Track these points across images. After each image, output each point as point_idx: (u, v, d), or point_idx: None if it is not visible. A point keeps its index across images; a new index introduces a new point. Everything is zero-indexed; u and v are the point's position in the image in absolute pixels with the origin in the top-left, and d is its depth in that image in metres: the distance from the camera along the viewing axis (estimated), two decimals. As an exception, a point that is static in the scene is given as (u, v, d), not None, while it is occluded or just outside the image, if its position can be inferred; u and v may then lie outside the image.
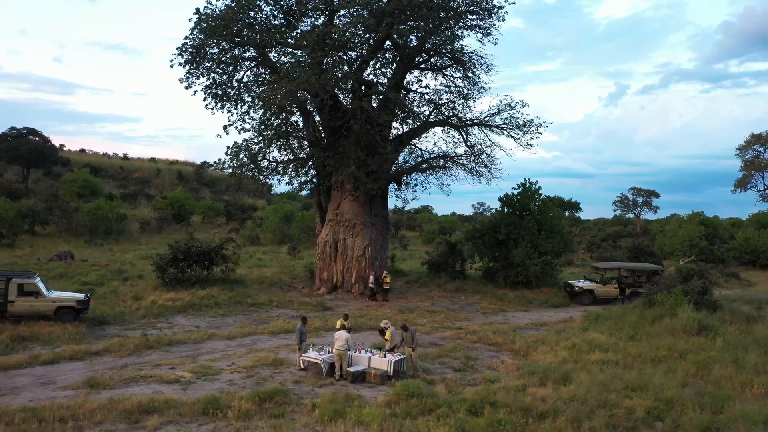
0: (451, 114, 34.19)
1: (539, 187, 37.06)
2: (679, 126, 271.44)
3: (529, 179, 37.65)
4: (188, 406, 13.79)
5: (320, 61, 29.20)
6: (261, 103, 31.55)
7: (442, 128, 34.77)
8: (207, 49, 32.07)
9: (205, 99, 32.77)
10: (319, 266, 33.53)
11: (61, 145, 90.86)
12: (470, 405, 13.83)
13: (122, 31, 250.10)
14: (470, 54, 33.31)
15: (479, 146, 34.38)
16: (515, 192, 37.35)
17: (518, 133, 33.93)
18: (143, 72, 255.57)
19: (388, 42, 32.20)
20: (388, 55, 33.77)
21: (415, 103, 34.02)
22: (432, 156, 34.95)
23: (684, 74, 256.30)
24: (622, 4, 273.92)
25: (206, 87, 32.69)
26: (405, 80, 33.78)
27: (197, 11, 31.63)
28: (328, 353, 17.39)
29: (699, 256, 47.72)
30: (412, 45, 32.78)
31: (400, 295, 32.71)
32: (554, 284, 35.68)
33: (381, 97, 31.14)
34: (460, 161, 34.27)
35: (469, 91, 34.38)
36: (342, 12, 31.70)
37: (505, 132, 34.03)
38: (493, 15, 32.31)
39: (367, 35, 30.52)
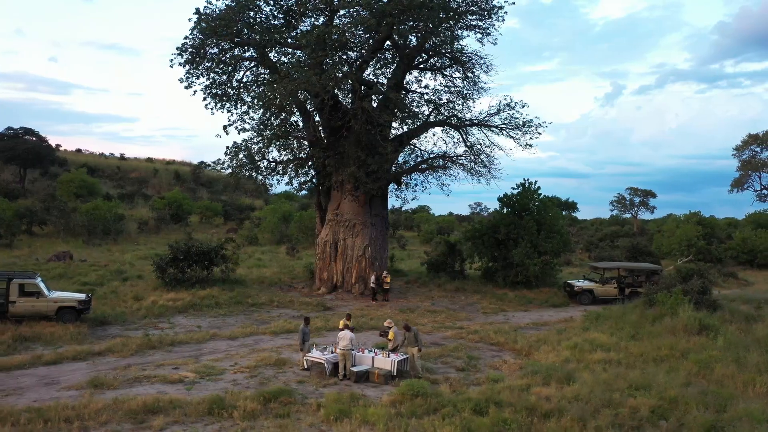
0: (451, 114, 34.24)
1: (538, 187, 37.22)
2: (675, 126, 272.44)
3: (528, 179, 37.78)
4: (193, 406, 13.79)
5: (320, 61, 29.21)
6: (261, 103, 31.56)
7: (441, 128, 34.81)
8: (207, 49, 32.06)
9: (204, 99, 32.80)
10: (319, 266, 33.53)
11: (57, 145, 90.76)
12: (475, 404, 13.88)
13: (118, 31, 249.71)
14: (470, 54, 33.36)
15: (479, 146, 34.46)
16: (514, 192, 37.43)
17: (517, 133, 34.02)
18: (139, 72, 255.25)
19: (388, 42, 32.24)
20: (387, 55, 33.83)
21: (415, 103, 34.07)
22: (431, 156, 34.99)
23: (680, 74, 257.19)
24: (618, 4, 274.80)
25: (206, 87, 32.70)
26: (405, 80, 33.80)
27: (197, 11, 31.61)
28: (332, 353, 17.41)
29: (696, 256, 47.86)
30: (411, 45, 32.80)
31: (400, 295, 32.73)
32: (554, 284, 35.77)
33: (381, 97, 31.15)
34: (460, 161, 34.31)
35: (469, 92, 34.44)
36: (342, 12, 31.74)
37: (504, 132, 34.10)
38: (492, 15, 32.35)
39: (367, 35, 30.54)
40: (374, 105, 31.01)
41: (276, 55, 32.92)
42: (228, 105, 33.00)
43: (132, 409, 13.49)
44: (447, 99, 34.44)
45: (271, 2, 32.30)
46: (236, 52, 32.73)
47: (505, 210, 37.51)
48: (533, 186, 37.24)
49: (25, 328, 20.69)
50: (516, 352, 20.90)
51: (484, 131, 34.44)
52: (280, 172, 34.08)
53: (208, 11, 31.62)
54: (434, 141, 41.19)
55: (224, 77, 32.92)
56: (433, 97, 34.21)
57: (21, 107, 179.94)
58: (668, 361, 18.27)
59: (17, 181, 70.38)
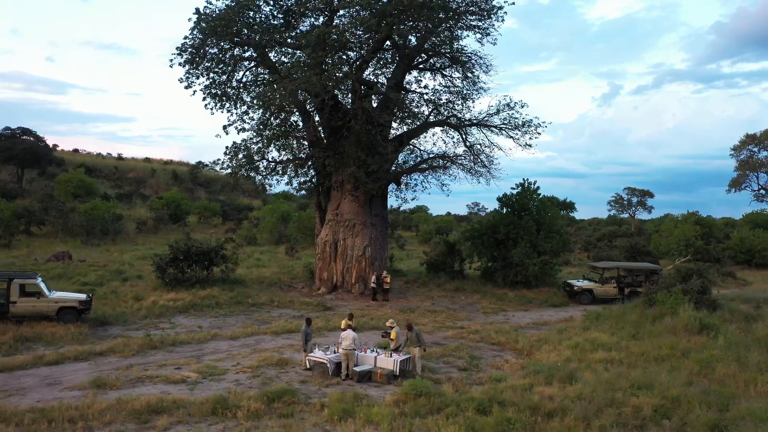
0: (450, 114, 34.26)
1: (538, 187, 37.27)
2: (672, 126, 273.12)
3: (527, 179, 37.81)
4: (197, 406, 13.79)
5: (320, 61, 29.21)
6: (260, 103, 31.56)
7: (441, 128, 34.84)
8: (206, 49, 32.04)
9: (204, 99, 32.80)
10: (319, 266, 33.53)
11: (54, 145, 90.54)
12: (478, 404, 13.90)
13: (115, 31, 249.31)
14: (469, 54, 33.39)
15: (478, 146, 34.49)
16: (514, 192, 37.48)
17: (517, 134, 34.07)
18: (136, 72, 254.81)
19: (387, 42, 32.25)
20: (387, 55, 33.85)
21: (414, 104, 34.10)
22: (431, 156, 35.01)
23: (677, 75, 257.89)
24: (615, 4, 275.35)
25: (205, 87, 32.70)
26: (404, 80, 33.83)
27: (197, 11, 31.61)
28: (334, 353, 17.42)
29: (695, 256, 47.97)
30: (411, 45, 32.83)
31: (399, 294, 32.75)
32: (553, 284, 35.84)
33: (381, 97, 31.16)
34: (459, 161, 34.34)
35: (468, 92, 34.48)
36: (341, 12, 31.75)
37: (504, 132, 34.14)
38: (492, 15, 32.40)
39: (367, 35, 30.54)
40: (374, 105, 31.02)
41: (276, 55, 32.93)
42: (228, 105, 33.04)
43: (136, 409, 13.48)
44: (447, 99, 34.50)
45: (271, 2, 32.33)
46: (236, 52, 32.73)
47: (504, 210, 37.54)
48: (533, 186, 37.29)
49: (26, 329, 20.67)
50: (517, 351, 20.93)
51: (484, 131, 34.50)
52: (280, 172, 34.10)
53: (207, 11, 31.62)
54: (434, 141, 41.09)
55: (224, 77, 32.94)
56: (432, 97, 34.29)
57: (18, 107, 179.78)
58: (669, 360, 18.29)
59: (15, 181, 70.25)
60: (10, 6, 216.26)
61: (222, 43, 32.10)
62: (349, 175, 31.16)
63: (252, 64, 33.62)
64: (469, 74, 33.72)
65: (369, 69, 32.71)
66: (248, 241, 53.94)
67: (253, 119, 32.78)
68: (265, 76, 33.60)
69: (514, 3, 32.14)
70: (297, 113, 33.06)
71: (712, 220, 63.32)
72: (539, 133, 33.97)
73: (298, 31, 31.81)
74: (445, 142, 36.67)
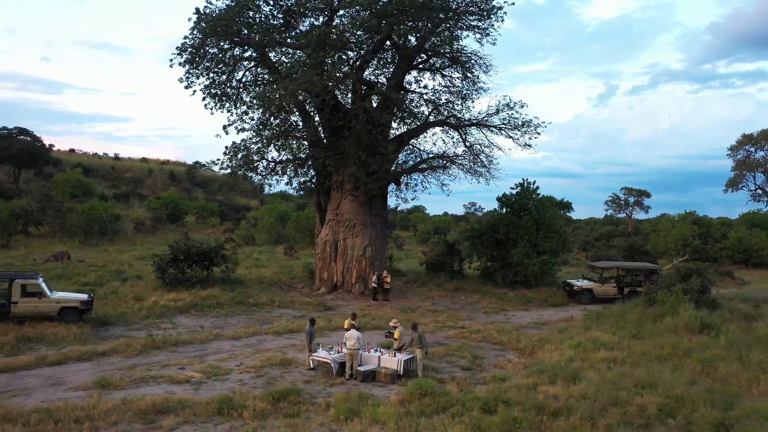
0: (450, 114, 34.31)
1: (537, 187, 37.34)
2: (667, 126, 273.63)
3: (526, 179, 37.89)
4: (202, 405, 13.79)
5: (321, 61, 29.22)
6: (260, 103, 31.56)
7: (441, 128, 34.89)
8: (206, 48, 32.03)
9: (204, 99, 32.79)
10: (319, 266, 33.54)
11: (51, 145, 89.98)
12: (483, 403, 13.94)
13: (110, 31, 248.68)
14: (469, 54, 33.45)
15: (478, 146, 34.55)
16: (513, 192, 37.55)
17: (517, 134, 34.14)
18: (132, 71, 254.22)
19: (387, 42, 32.28)
20: (387, 56, 33.88)
21: (414, 104, 34.16)
22: (431, 156, 35.06)
23: (672, 75, 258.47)
24: (611, 4, 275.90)
25: (205, 87, 32.68)
26: (404, 80, 33.86)
27: (197, 11, 31.59)
28: (338, 353, 17.44)
29: (692, 256, 48.18)
30: (411, 45, 32.87)
31: (399, 294, 32.78)
32: (552, 283, 35.93)
33: (382, 97, 31.17)
34: (459, 161, 34.40)
35: (468, 92, 34.54)
36: (341, 12, 31.77)
37: (503, 132, 34.19)
38: (492, 16, 32.46)
39: (368, 36, 30.56)
40: (374, 105, 31.05)
41: (276, 55, 32.93)
42: (228, 105, 33.03)
43: (141, 409, 13.48)
44: (446, 99, 34.56)
45: (271, 2, 32.34)
46: (236, 52, 32.72)
47: (504, 210, 37.60)
48: (532, 186, 37.36)
49: (27, 329, 20.62)
50: (519, 351, 20.99)
51: (483, 131, 34.55)
52: (280, 173, 34.12)
53: (208, 11, 31.61)
54: (434, 141, 41.11)
55: (224, 77, 32.93)
56: (432, 97, 34.34)
57: (13, 107, 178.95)
58: (672, 359, 18.38)
59: (11, 181, 69.96)
60: (5, 5, 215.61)
61: (222, 43, 32.09)
62: (349, 175, 31.18)
63: (252, 64, 33.64)
64: (469, 74, 33.80)
65: (369, 69, 32.75)
66: (246, 241, 53.91)
67: (253, 119, 32.83)
68: (265, 76, 33.62)
69: (513, 3, 32.26)
70: (297, 113, 33.08)
71: (708, 220, 63.55)
72: (539, 133, 34.08)
73: (298, 31, 31.82)
74: (444, 142, 36.60)
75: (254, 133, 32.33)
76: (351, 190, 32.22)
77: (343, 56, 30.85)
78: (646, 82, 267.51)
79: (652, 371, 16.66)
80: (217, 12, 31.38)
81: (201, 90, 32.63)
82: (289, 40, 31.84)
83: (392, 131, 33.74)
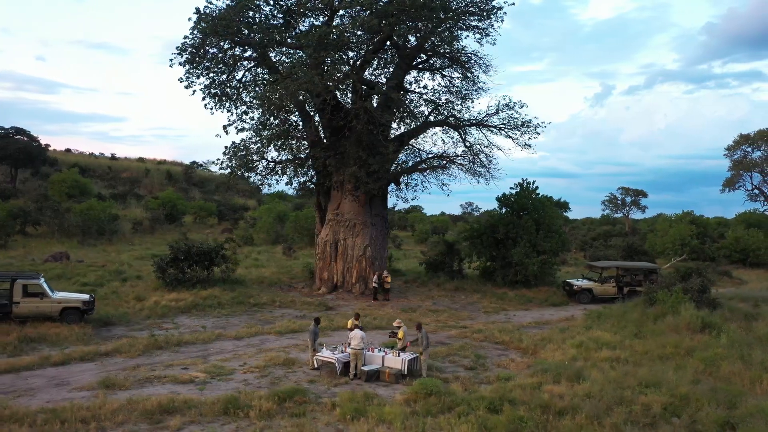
0: (450, 114, 34.35)
1: (536, 187, 37.39)
2: (663, 126, 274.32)
3: (526, 179, 37.96)
4: (208, 405, 13.80)
5: (321, 61, 29.23)
6: (260, 103, 31.56)
7: (441, 128, 34.92)
8: (207, 48, 31.99)
9: (203, 99, 32.76)
10: (319, 266, 33.54)
11: (47, 145, 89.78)
12: (489, 403, 13.98)
13: (106, 30, 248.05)
14: (469, 54, 33.48)
15: (477, 146, 34.59)
16: (513, 192, 37.60)
17: (516, 134, 34.19)
18: (128, 71, 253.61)
19: (387, 42, 32.30)
20: (387, 56, 33.89)
21: (414, 104, 34.20)
22: (430, 156, 35.11)
23: (668, 75, 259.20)
24: (607, 5, 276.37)
25: (205, 87, 32.65)
26: (404, 80, 33.89)
27: (197, 10, 31.56)
28: (342, 352, 17.45)
29: (690, 255, 48.34)
30: (411, 45, 32.90)
31: (400, 294, 32.81)
32: (552, 283, 36.00)
33: (383, 97, 31.18)
34: (458, 161, 34.43)
35: (468, 92, 34.57)
36: (342, 12, 31.77)
37: (503, 132, 34.24)
38: (492, 16, 32.51)
39: (368, 36, 30.55)
40: (375, 105, 31.07)
41: (276, 55, 32.92)
42: (227, 105, 32.99)
43: (147, 409, 13.47)
44: (446, 99, 34.60)
45: (271, 2, 32.32)
46: (236, 52, 32.69)
47: (503, 210, 37.66)
48: (531, 186, 37.43)
49: (29, 329, 20.57)
50: (522, 350, 21.04)
51: (483, 131, 34.59)
52: (279, 173, 34.09)
53: (208, 11, 31.57)
54: (434, 141, 41.16)
55: (224, 77, 32.89)
56: (432, 97, 34.37)
57: (8, 107, 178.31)
58: (674, 358, 18.45)
59: (8, 180, 69.75)
60: (0, 5, 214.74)
61: (222, 43, 32.07)
62: (350, 175, 31.20)
63: (252, 64, 33.61)
64: (469, 74, 33.83)
65: (369, 69, 32.77)
66: (245, 241, 53.86)
67: (253, 119, 32.82)
68: (265, 76, 33.61)
69: (513, 3, 32.31)
70: (297, 113, 33.09)
71: (705, 220, 63.74)
72: (538, 134, 34.12)
73: (298, 31, 31.82)
74: (444, 142, 36.55)
75: (254, 133, 32.33)
76: (351, 190, 32.23)
77: (344, 56, 30.86)
78: (642, 82, 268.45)
79: (656, 370, 16.71)
80: (218, 12, 31.34)
81: (201, 90, 32.64)
82: (289, 40, 31.83)
83: (392, 131, 33.79)
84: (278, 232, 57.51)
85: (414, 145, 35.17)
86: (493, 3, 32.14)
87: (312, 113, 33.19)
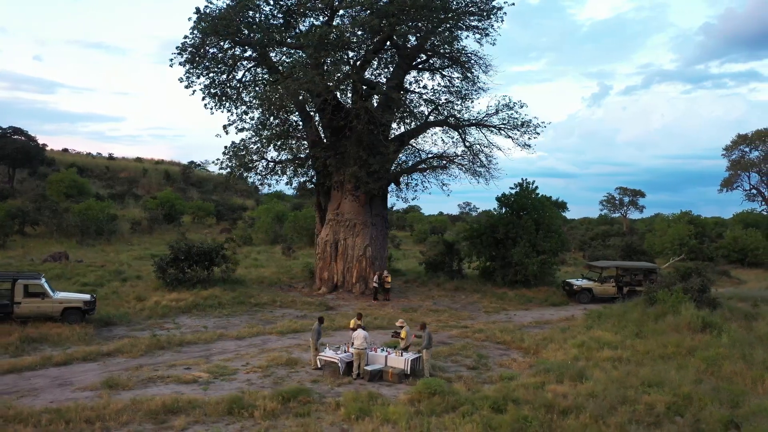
0: (449, 114, 34.38)
1: (536, 187, 37.43)
2: (660, 126, 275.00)
3: (525, 179, 38.00)
4: (213, 405, 13.79)
5: (322, 61, 29.24)
6: (260, 103, 31.56)
7: (441, 128, 34.95)
8: (207, 48, 31.98)
9: (203, 99, 32.75)
10: (319, 266, 33.54)
11: (44, 145, 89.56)
12: (493, 402, 13.99)
13: (103, 30, 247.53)
14: (469, 54, 33.52)
15: (477, 146, 34.63)
16: (512, 191, 37.65)
17: (516, 134, 34.25)
18: (125, 71, 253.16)
19: (387, 42, 32.31)
20: (387, 56, 33.90)
21: (413, 104, 34.21)
22: (429, 156, 35.14)
23: (665, 75, 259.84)
24: (605, 5, 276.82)
25: (205, 87, 32.65)
26: (404, 80, 33.92)
27: (197, 10, 31.56)
28: (345, 352, 17.46)
29: (689, 255, 48.44)
30: (411, 45, 32.92)
31: (400, 294, 32.83)
32: (552, 283, 36.06)
33: (383, 96, 31.19)
34: (458, 161, 34.46)
35: (468, 92, 34.62)
36: (342, 12, 31.78)
37: (503, 132, 34.29)
38: (492, 16, 32.56)
39: (368, 36, 30.56)
40: (375, 105, 31.07)
41: (276, 55, 32.92)
42: (227, 105, 32.99)
43: (152, 409, 13.46)
44: (446, 99, 34.64)
45: (271, 2, 32.33)
46: (236, 52, 32.69)
47: (503, 209, 37.70)
48: (531, 186, 37.47)
49: (31, 329, 20.54)
50: (523, 350, 21.08)
51: (483, 131, 34.63)
52: (279, 173, 34.09)
53: (208, 10, 31.57)
54: (434, 141, 41.21)
55: (224, 77, 32.89)
56: (432, 97, 34.40)
57: (5, 106, 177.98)
58: (675, 358, 18.50)
59: (6, 180, 69.57)
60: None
61: (222, 43, 32.06)
62: (350, 175, 31.22)
63: (252, 64, 33.61)
64: (469, 74, 33.87)
65: (370, 69, 32.78)
66: (244, 241, 53.81)
67: (253, 119, 32.82)
68: (265, 76, 33.60)
69: (513, 3, 32.35)
70: (297, 113, 33.09)
71: (703, 220, 63.89)
72: (538, 134, 34.20)
73: (298, 31, 31.83)
74: (444, 142, 36.60)
75: (254, 133, 32.34)
76: (351, 190, 32.25)
77: (344, 56, 30.87)
78: (639, 82, 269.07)
79: (658, 370, 16.76)
80: (218, 11, 31.35)
81: (201, 90, 32.66)
82: (289, 40, 31.84)
83: (392, 131, 33.82)
84: (277, 232, 57.49)
85: (414, 145, 35.25)
86: (493, 3, 32.26)
87: (312, 113, 33.19)
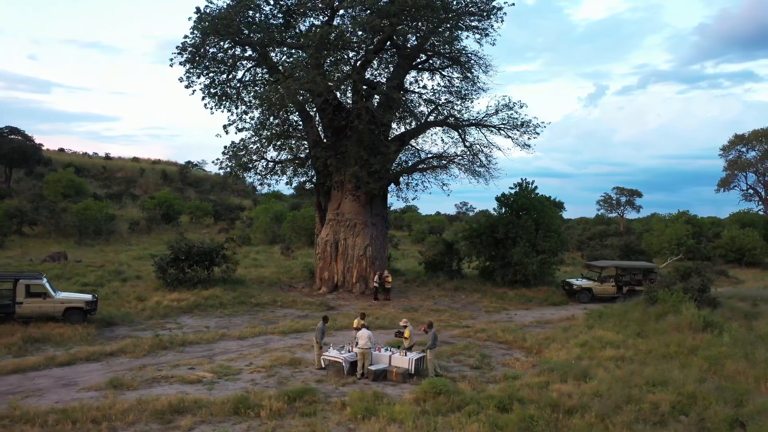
0: (449, 114, 34.44)
1: (535, 187, 37.50)
2: (656, 126, 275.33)
3: (525, 179, 38.07)
4: (218, 405, 13.80)
5: (322, 61, 29.25)
6: (259, 103, 31.56)
7: (441, 128, 35.00)
8: (207, 48, 31.96)
9: (203, 98, 32.73)
10: (319, 266, 33.54)
11: (40, 144, 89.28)
12: (498, 401, 14.03)
13: (99, 29, 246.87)
14: (469, 54, 33.57)
15: (477, 146, 34.69)
16: (512, 191, 37.71)
17: (516, 134, 34.33)
18: (121, 70, 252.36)
19: (388, 42, 32.34)
20: (387, 56, 33.93)
21: (413, 104, 34.27)
22: (429, 156, 35.19)
23: (661, 75, 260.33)
24: (600, 5, 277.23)
25: (205, 86, 32.63)
26: (404, 80, 33.96)
27: (197, 10, 31.53)
28: (349, 352, 17.48)
29: (686, 255, 48.59)
30: (411, 45, 32.96)
31: (400, 294, 32.86)
32: (551, 282, 36.15)
33: (384, 96, 31.21)
34: (458, 161, 34.51)
35: (467, 92, 34.67)
36: (342, 12, 31.78)
37: (502, 132, 34.36)
38: (492, 16, 32.63)
39: (370, 36, 30.58)
40: (376, 105, 31.10)
41: (277, 54, 32.92)
42: (227, 104, 32.98)
43: (158, 409, 13.46)
44: (446, 99, 34.69)
45: (272, 2, 32.34)
46: (237, 52, 32.68)
47: (502, 209, 37.75)
48: (530, 186, 37.54)
49: (33, 329, 20.51)
50: (526, 350, 21.14)
51: (483, 131, 34.69)
52: (279, 172, 34.11)
53: (208, 10, 31.54)
54: (433, 141, 41.29)
55: (224, 77, 32.88)
56: (432, 97, 34.45)
57: (1, 106, 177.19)
58: (678, 357, 18.55)
59: (3, 180, 69.32)
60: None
61: (222, 43, 32.05)
62: (351, 175, 31.25)
63: (252, 64, 33.60)
64: (469, 74, 33.92)
65: (370, 69, 32.80)
66: (243, 241, 53.73)
67: (253, 119, 32.82)
68: (265, 76, 33.60)
69: (513, 4, 32.41)
70: (297, 113, 33.09)
71: (700, 220, 64.09)
72: (537, 134, 34.29)
73: (298, 31, 31.84)
74: (444, 142, 36.63)
75: (253, 133, 32.35)
76: (352, 190, 32.26)
77: (344, 56, 30.88)
78: (635, 82, 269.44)
79: (661, 369, 16.82)
80: (218, 11, 31.33)
81: (201, 89, 32.64)
82: (289, 39, 31.84)
83: (392, 131, 33.86)
84: (275, 232, 57.42)
85: (414, 145, 35.29)
86: (493, 3, 32.31)
87: (312, 113, 33.20)
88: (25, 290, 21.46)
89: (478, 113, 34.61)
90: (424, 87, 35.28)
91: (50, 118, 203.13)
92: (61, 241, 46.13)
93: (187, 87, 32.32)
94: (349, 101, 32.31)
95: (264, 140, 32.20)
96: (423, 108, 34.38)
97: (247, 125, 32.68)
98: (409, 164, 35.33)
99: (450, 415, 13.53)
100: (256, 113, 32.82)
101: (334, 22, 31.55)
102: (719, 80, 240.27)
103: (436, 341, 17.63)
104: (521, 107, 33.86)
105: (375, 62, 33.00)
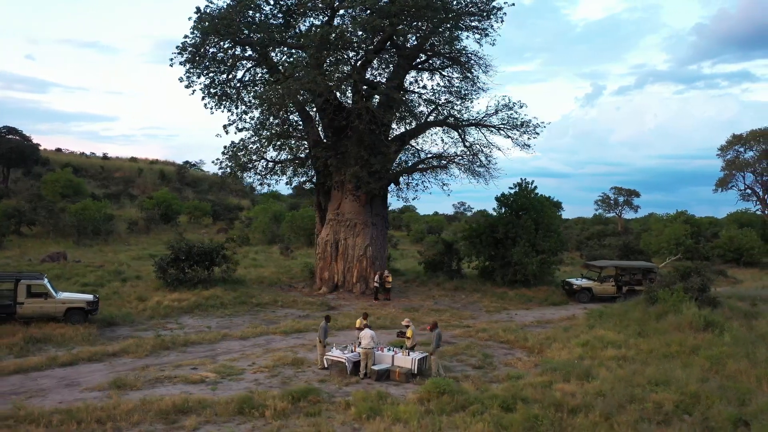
0: (449, 114, 34.47)
1: (535, 187, 37.54)
2: (653, 126, 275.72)
3: (524, 179, 38.12)
4: (222, 405, 13.80)
5: (323, 61, 29.25)
6: (259, 102, 31.56)
7: (441, 128, 35.03)
8: (207, 48, 31.94)
9: (203, 98, 32.71)
10: (319, 266, 33.55)
11: (37, 144, 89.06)
12: (502, 401, 14.05)
13: (96, 29, 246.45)
14: (468, 54, 33.61)
15: (477, 146, 34.72)
16: (512, 191, 37.76)
17: (516, 133, 34.38)
18: (118, 70, 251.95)
19: (388, 42, 32.36)
20: (387, 56, 33.95)
21: (413, 104, 34.28)
22: (429, 156, 35.22)
23: (658, 75, 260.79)
24: (598, 5, 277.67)
25: (205, 86, 32.62)
26: (404, 80, 33.98)
27: (198, 10, 31.51)
28: (352, 352, 17.49)
29: (685, 255, 48.70)
30: (411, 45, 32.98)
31: (400, 294, 32.88)
32: (551, 282, 36.20)
33: (384, 96, 31.22)
34: (457, 161, 34.54)
35: (467, 92, 34.71)
36: (342, 12, 31.80)
37: (502, 132, 34.41)
38: (491, 16, 32.67)
39: (370, 36, 30.60)
40: (376, 105, 31.11)
41: (277, 54, 32.92)
42: (227, 104, 32.97)
43: (162, 409, 13.46)
44: (446, 99, 34.72)
45: (272, 2, 32.35)
46: (237, 52, 32.67)
47: (502, 209, 37.79)
48: (530, 185, 37.59)
49: (34, 330, 20.49)
50: (527, 349, 21.16)
51: (482, 131, 34.74)
52: (279, 172, 34.12)
53: (208, 10, 31.53)
54: (433, 141, 41.33)
55: (224, 77, 32.87)
56: (432, 97, 34.48)
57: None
58: (679, 357, 18.61)
59: (1, 180, 69.15)
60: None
61: (222, 43, 32.04)
62: (351, 175, 31.25)
63: (252, 64, 33.59)
64: (468, 74, 33.96)
65: (370, 69, 32.82)
66: (242, 241, 53.70)
67: (253, 119, 32.82)
68: (265, 76, 33.60)
69: (513, 4, 32.45)
70: (297, 113, 33.10)
71: (698, 219, 64.25)
72: (537, 134, 34.35)
73: (298, 31, 31.84)
74: (444, 142, 36.65)
75: (253, 133, 32.35)
76: (352, 190, 32.28)
77: (345, 56, 30.90)
78: (632, 82, 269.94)
79: (664, 368, 16.89)
80: (218, 11, 31.32)
81: (201, 89, 32.63)
82: (289, 39, 31.84)
83: (392, 131, 33.89)
84: (274, 232, 57.41)
85: (414, 144, 35.32)
86: (493, 3, 32.34)
87: (312, 113, 33.21)
88: (26, 290, 21.43)
89: (477, 113, 34.72)
90: (424, 87, 35.41)
91: (48, 117, 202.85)
92: (59, 241, 46.07)
93: (187, 87, 32.35)
94: (350, 101, 32.32)
95: (264, 140, 32.21)
96: (423, 108, 34.46)
97: (247, 125, 32.74)
98: (409, 164, 35.38)
99: (454, 415, 13.55)
100: (256, 113, 32.89)
101: (335, 22, 31.56)
102: (717, 80, 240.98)
103: (440, 341, 17.65)
104: (521, 107, 33.99)
105: (375, 62, 33.01)
